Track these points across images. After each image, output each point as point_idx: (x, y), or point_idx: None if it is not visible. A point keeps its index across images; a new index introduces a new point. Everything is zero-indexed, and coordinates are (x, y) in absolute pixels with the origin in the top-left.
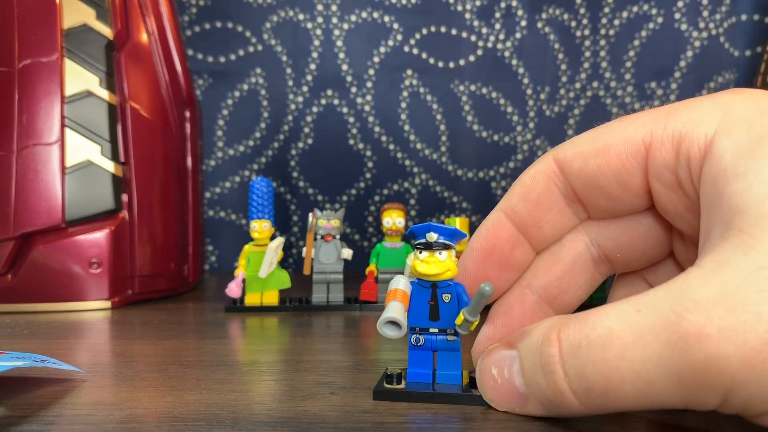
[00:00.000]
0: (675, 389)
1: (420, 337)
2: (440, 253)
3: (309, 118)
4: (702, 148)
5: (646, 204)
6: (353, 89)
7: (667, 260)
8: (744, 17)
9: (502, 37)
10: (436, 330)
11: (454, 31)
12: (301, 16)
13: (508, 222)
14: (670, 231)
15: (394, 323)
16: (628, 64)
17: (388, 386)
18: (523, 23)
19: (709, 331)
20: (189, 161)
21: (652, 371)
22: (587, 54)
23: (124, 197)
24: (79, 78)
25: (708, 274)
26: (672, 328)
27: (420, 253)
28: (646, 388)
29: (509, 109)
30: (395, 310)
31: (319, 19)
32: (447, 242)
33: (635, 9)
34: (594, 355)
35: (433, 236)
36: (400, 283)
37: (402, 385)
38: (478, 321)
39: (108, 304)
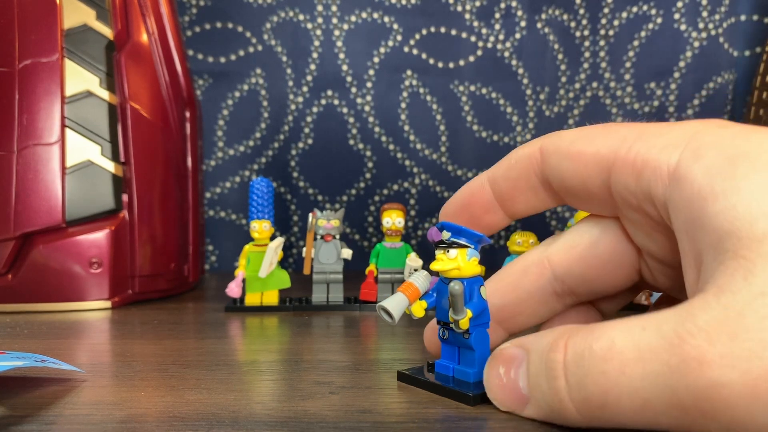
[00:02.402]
0: (672, 412)
1: (445, 331)
2: (448, 251)
3: (309, 119)
4: (664, 176)
5: (612, 213)
6: (353, 89)
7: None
8: (743, 17)
9: (501, 37)
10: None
11: (453, 32)
12: (301, 17)
13: (488, 188)
14: (637, 259)
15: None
16: (628, 64)
17: (405, 371)
18: (523, 24)
19: (711, 356)
20: (189, 161)
21: (649, 390)
22: (587, 54)
23: (125, 197)
24: (80, 78)
25: (710, 299)
26: (674, 350)
27: (436, 249)
28: (643, 406)
29: (509, 110)
30: (393, 301)
31: (319, 20)
32: (456, 241)
33: (635, 9)
34: (595, 366)
35: (445, 234)
36: (416, 279)
37: (432, 375)
38: (466, 316)
39: (108, 303)
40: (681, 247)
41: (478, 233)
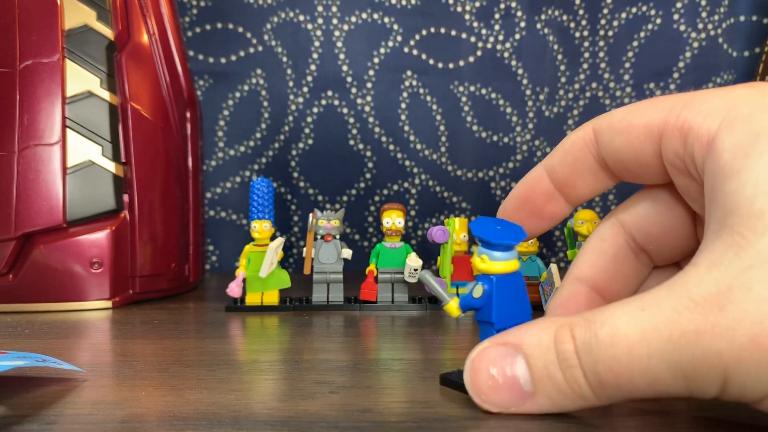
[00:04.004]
0: (679, 381)
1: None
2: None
3: (309, 119)
4: (704, 143)
5: (666, 181)
6: (353, 90)
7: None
8: (742, 18)
9: (501, 38)
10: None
11: (453, 32)
12: (301, 17)
13: (546, 178)
14: (694, 223)
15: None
16: (627, 65)
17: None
18: (523, 24)
19: (705, 328)
20: (190, 161)
21: (657, 366)
22: (586, 55)
23: (125, 197)
24: (80, 79)
25: (703, 273)
26: (674, 326)
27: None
28: (654, 381)
29: (508, 110)
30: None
31: (320, 20)
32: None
33: (634, 10)
34: (604, 353)
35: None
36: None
37: None
38: (448, 304)
39: (109, 303)
40: (705, 217)
41: (488, 235)
